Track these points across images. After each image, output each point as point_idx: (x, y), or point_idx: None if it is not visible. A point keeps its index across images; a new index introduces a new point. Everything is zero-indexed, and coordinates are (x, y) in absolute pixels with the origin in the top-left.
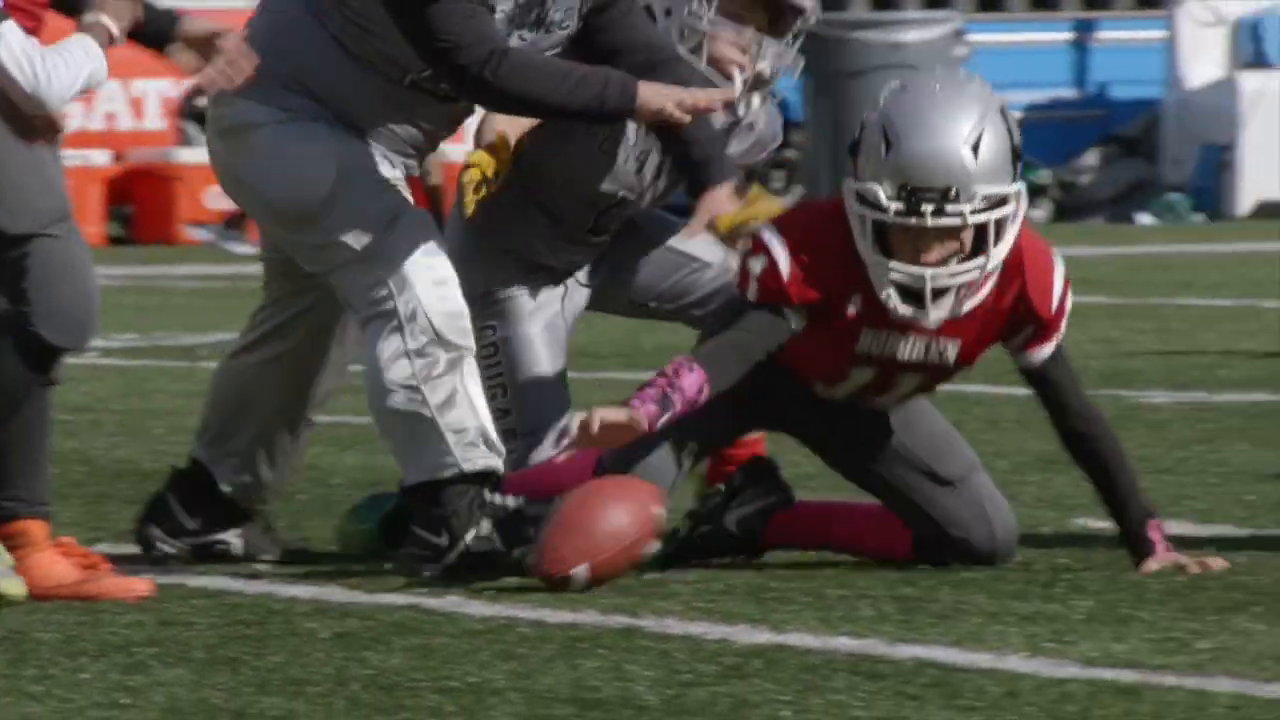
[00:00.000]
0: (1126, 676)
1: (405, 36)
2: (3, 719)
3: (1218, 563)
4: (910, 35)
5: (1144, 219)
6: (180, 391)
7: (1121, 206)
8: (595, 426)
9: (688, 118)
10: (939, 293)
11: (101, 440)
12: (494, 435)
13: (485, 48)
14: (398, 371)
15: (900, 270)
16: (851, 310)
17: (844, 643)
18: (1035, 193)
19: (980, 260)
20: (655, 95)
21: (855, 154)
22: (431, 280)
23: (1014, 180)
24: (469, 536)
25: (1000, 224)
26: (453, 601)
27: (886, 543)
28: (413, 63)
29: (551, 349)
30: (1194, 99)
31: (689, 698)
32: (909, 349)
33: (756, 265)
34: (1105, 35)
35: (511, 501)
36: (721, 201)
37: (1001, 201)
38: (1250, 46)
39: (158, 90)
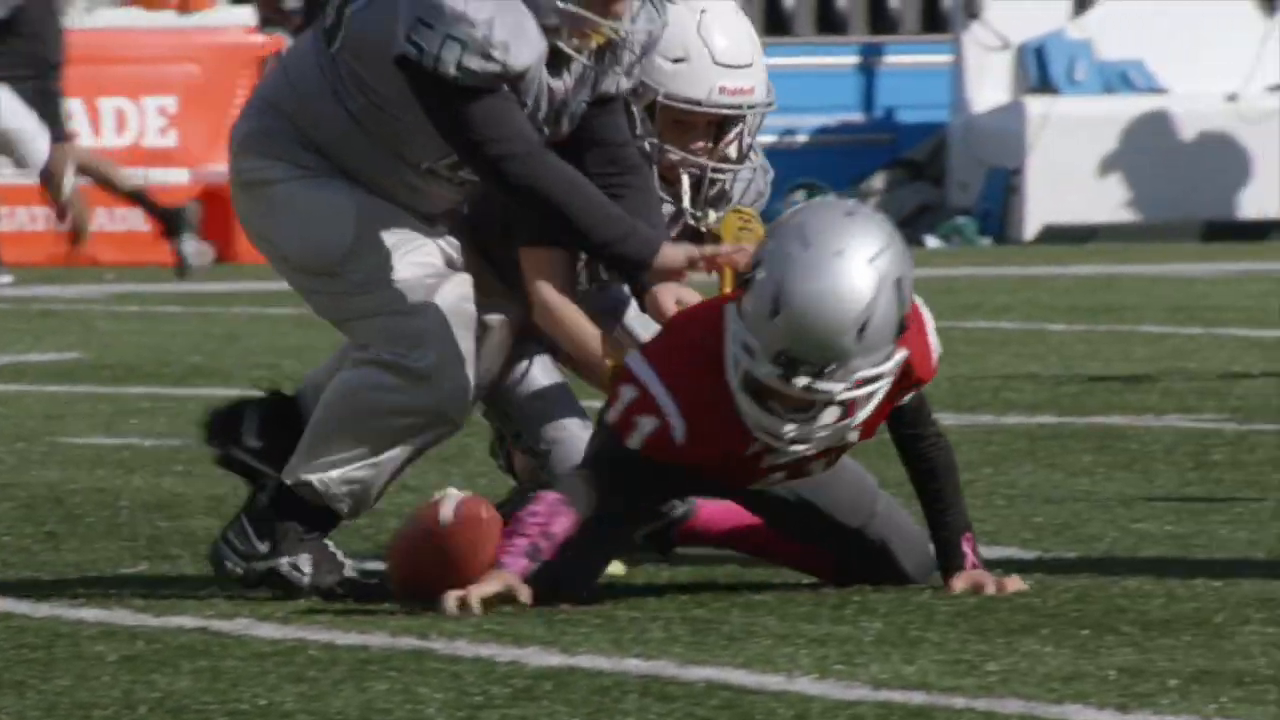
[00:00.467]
0: (916, 698)
1: (437, 128)
2: None
3: (1014, 583)
4: None
5: (931, 242)
6: None
7: (909, 229)
8: (477, 608)
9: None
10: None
11: None
12: (367, 507)
13: (522, 146)
14: (378, 399)
15: (761, 430)
16: (753, 449)
17: (635, 664)
18: None
19: (848, 422)
20: (674, 256)
21: (745, 289)
22: (453, 352)
23: (892, 354)
24: (284, 560)
25: (871, 395)
26: (242, 624)
27: (811, 559)
28: (430, 152)
29: (541, 364)
30: (980, 123)
31: None
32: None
33: (647, 425)
34: (892, 59)
35: (349, 570)
36: (669, 290)
37: (876, 378)
38: (1035, 71)
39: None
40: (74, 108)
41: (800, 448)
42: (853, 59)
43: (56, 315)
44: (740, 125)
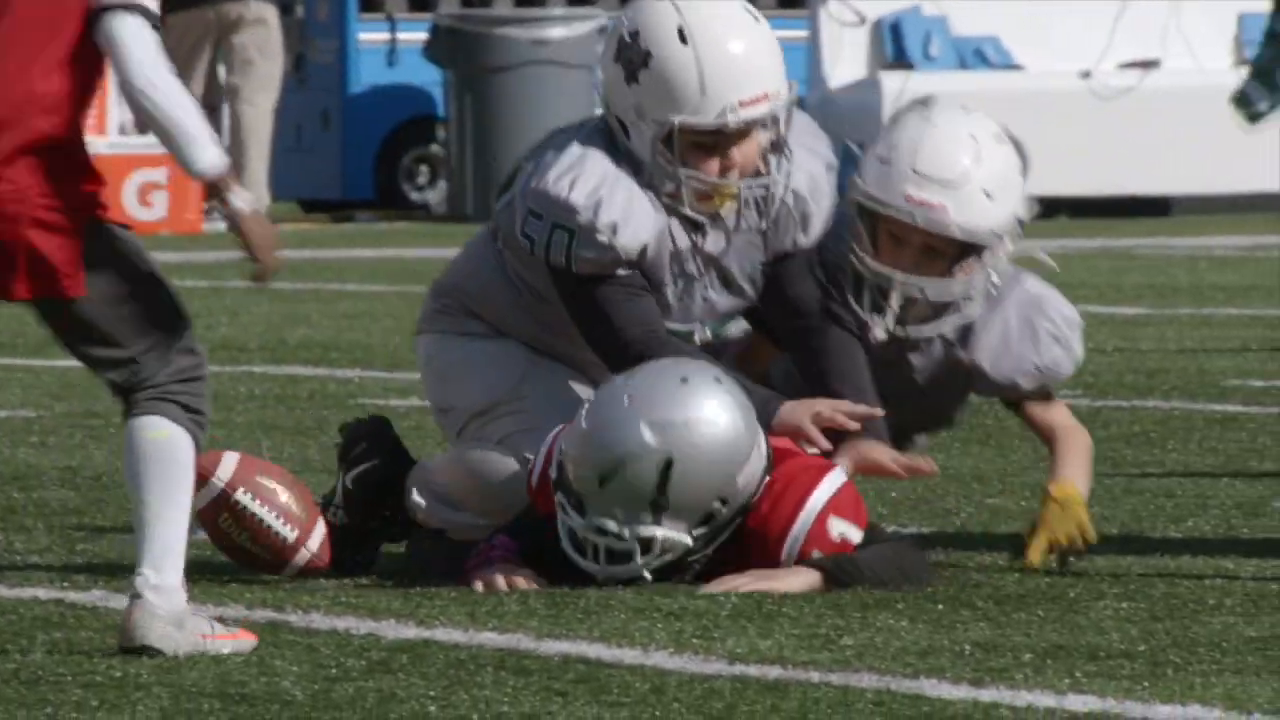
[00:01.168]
0: (773, 672)
1: (570, 316)
2: None
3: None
4: (554, 32)
5: None
6: None
7: None
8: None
9: (824, 442)
10: None
11: None
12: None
13: (637, 331)
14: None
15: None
16: None
17: (491, 638)
18: None
19: (622, 568)
20: (792, 414)
21: None
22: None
23: (653, 523)
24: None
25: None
26: (97, 596)
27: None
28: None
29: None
30: (837, 99)
31: (336, 692)
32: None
33: (533, 473)
34: None
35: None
36: (875, 455)
37: (618, 536)
38: (891, 47)
39: None
40: None
41: None
42: None
43: None
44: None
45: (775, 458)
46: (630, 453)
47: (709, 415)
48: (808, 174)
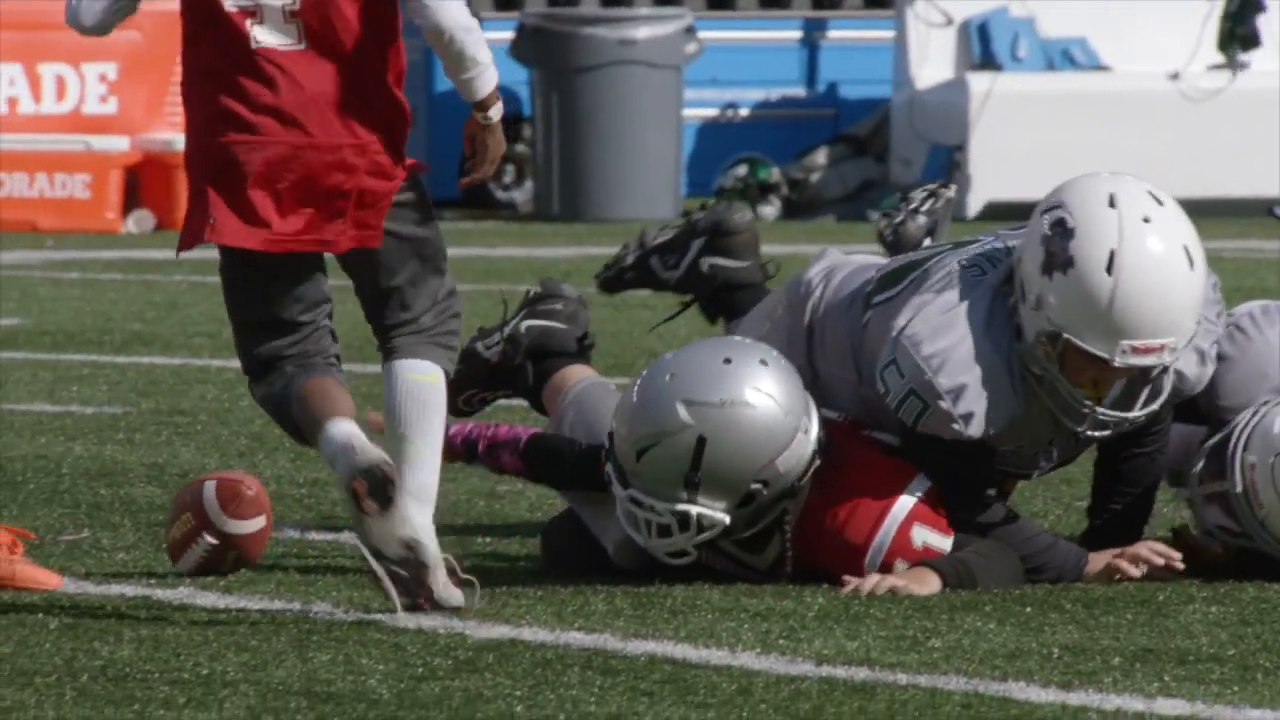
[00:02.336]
0: (860, 674)
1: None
2: None
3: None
4: (640, 32)
5: (874, 218)
6: None
7: (852, 205)
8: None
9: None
10: None
11: None
12: None
13: (990, 517)
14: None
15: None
16: None
17: (577, 637)
18: (765, 190)
19: (665, 542)
20: (1100, 563)
21: None
22: None
23: (688, 500)
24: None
25: None
26: (184, 593)
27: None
28: None
29: None
30: (923, 99)
31: (422, 691)
32: (754, 574)
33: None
34: (835, 34)
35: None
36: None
37: (655, 509)
38: (978, 47)
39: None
40: (14, 74)
41: None
42: (796, 33)
43: None
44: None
45: (845, 454)
46: (665, 429)
47: (746, 398)
48: (1195, 374)
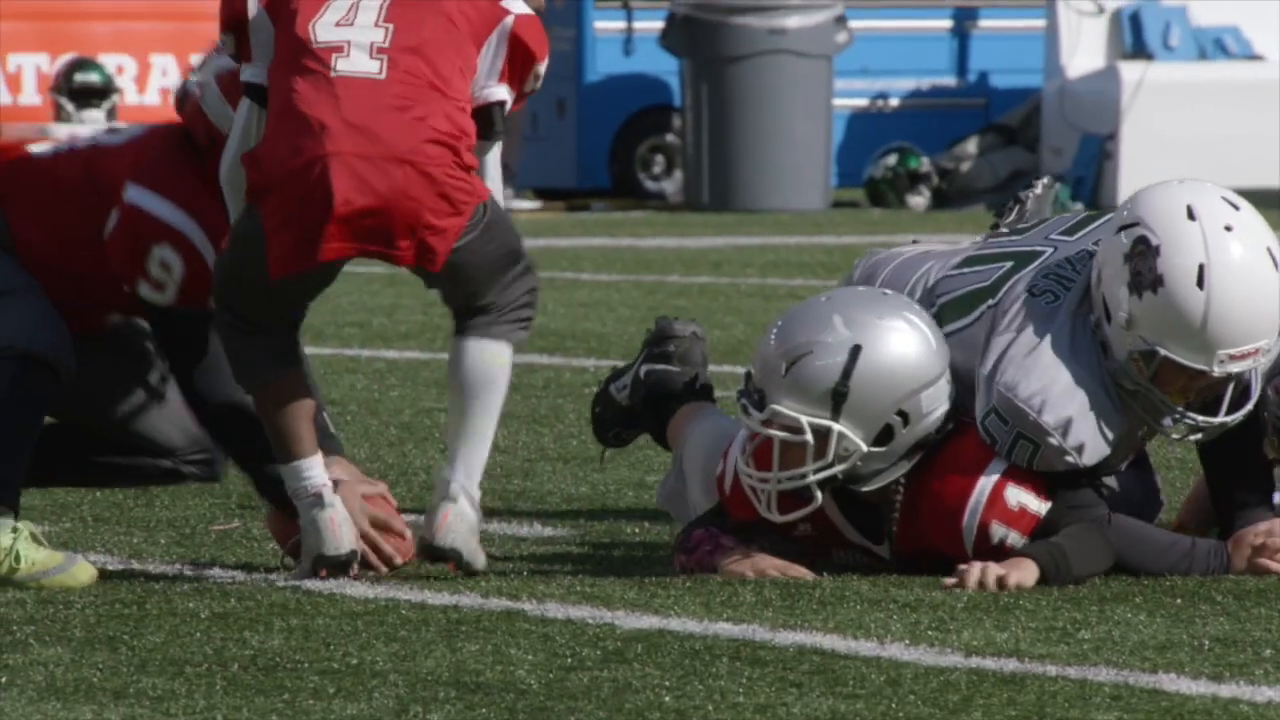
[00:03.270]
0: (1009, 665)
1: None
2: None
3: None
4: (791, 21)
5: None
6: None
7: (1002, 195)
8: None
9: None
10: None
11: None
12: None
13: (1094, 511)
14: None
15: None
16: (802, 532)
17: (726, 628)
18: (915, 180)
19: (768, 475)
20: (1241, 550)
21: None
22: None
23: (829, 417)
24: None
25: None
26: (334, 583)
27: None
28: None
29: None
30: (1074, 88)
31: (571, 682)
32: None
33: (717, 466)
34: (986, 23)
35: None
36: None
37: (794, 427)
38: (1130, 37)
39: (35, 64)
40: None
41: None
42: (947, 23)
43: None
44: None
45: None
46: (820, 340)
47: (902, 324)
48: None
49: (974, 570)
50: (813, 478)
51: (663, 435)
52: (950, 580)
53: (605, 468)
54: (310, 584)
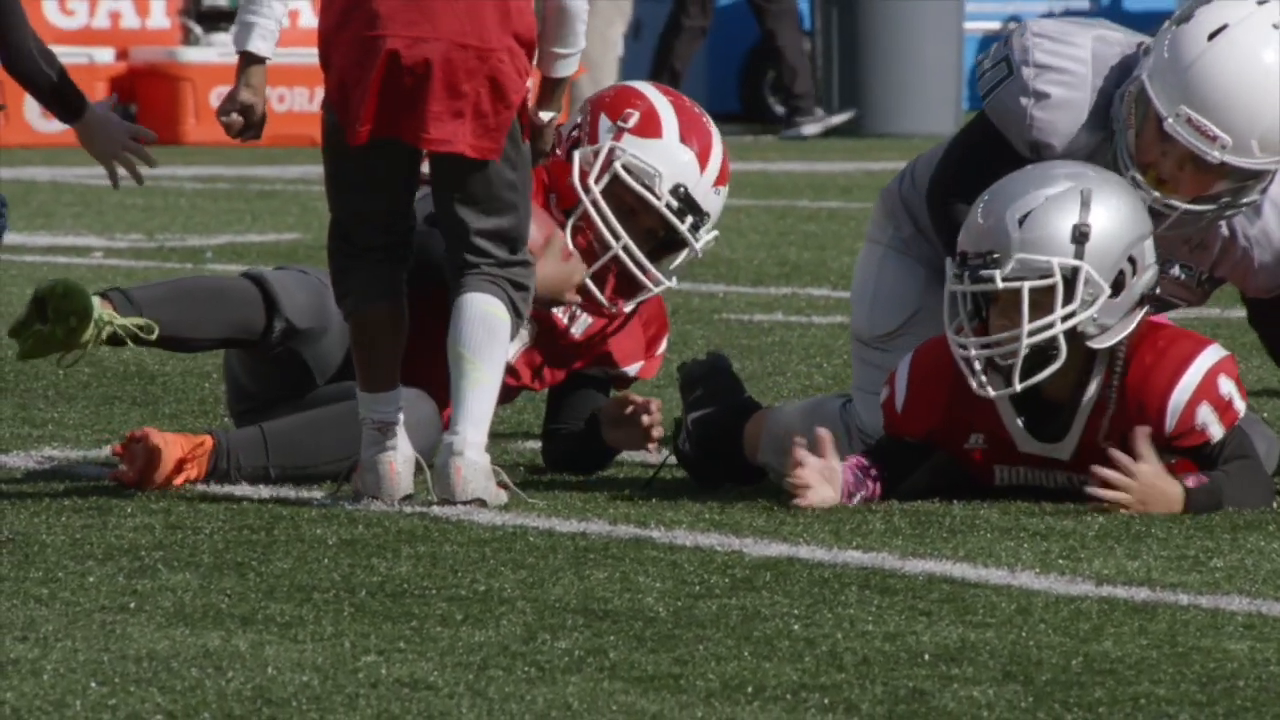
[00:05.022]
0: (1140, 594)
1: (942, 160)
2: (9, 622)
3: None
4: None
5: None
6: None
7: None
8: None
9: None
10: (1013, 369)
11: None
12: None
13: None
14: None
15: (955, 342)
16: (973, 446)
17: (855, 556)
18: None
19: (1017, 330)
20: None
21: None
22: None
23: (1075, 257)
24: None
25: (1044, 293)
26: (461, 510)
27: None
28: None
29: None
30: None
31: (699, 610)
32: (1051, 480)
33: (883, 392)
34: None
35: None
36: None
37: (1045, 273)
38: None
39: None
40: None
41: (985, 353)
42: None
43: (276, 196)
44: None
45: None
46: (1046, 192)
47: (1114, 177)
48: (1262, 227)
49: (1118, 480)
50: (1060, 326)
51: (739, 470)
52: (1094, 488)
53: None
54: (438, 510)
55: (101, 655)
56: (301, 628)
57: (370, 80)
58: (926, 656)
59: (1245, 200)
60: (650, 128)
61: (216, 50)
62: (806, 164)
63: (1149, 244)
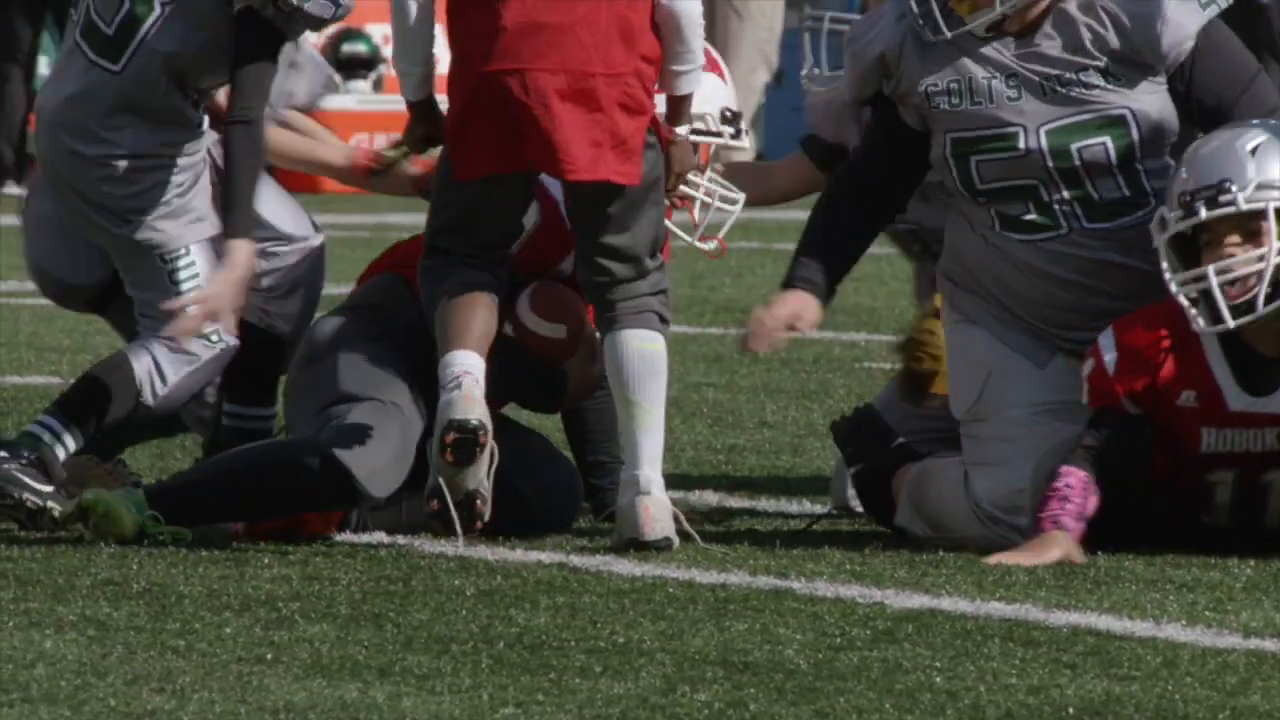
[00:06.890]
0: None
1: None
2: (146, 673)
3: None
4: None
5: None
6: None
7: None
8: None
9: None
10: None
11: None
12: None
13: None
14: None
15: (1183, 277)
16: (1185, 402)
17: (998, 608)
18: None
19: (1260, 250)
20: None
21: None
22: None
23: None
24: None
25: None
26: (600, 560)
27: None
28: None
29: None
30: None
31: (840, 662)
32: (1259, 442)
33: (1085, 367)
34: None
35: None
36: None
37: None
38: None
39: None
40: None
41: (1225, 277)
42: None
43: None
44: None
45: None
46: (1267, 131)
47: None
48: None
49: None
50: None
51: (887, 515)
52: None
53: None
54: (576, 560)
55: (239, 707)
56: (439, 679)
57: (491, 114)
58: (1071, 710)
59: None
60: None
61: (355, 98)
62: None
63: None
